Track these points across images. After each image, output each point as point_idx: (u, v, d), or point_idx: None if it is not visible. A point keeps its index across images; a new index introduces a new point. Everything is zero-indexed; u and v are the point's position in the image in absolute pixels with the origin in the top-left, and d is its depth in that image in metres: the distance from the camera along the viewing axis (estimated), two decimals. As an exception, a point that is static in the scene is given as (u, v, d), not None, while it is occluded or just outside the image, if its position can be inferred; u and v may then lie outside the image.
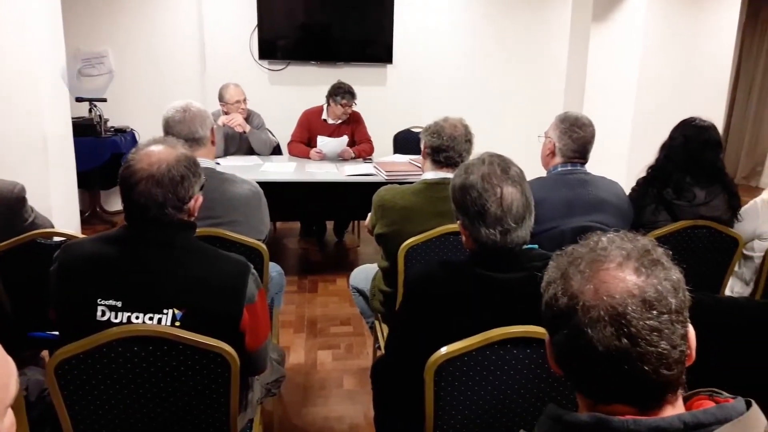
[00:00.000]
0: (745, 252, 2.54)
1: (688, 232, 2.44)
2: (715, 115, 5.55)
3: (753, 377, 1.35)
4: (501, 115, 5.73)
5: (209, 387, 1.58)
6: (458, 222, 1.58)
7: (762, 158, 7.35)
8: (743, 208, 2.54)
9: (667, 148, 2.58)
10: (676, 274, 0.80)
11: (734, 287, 2.62)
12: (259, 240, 2.29)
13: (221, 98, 4.28)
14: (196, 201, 1.66)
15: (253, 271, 1.67)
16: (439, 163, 2.33)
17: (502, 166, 1.54)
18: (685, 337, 0.79)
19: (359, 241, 4.90)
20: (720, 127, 6.28)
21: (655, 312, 0.76)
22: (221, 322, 1.56)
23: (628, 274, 0.78)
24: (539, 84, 5.80)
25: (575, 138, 2.42)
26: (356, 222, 5.00)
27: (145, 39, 5.35)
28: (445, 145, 2.29)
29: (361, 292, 2.76)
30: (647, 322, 0.75)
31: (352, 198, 3.84)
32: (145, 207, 1.55)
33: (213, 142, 2.41)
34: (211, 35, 5.34)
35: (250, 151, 4.45)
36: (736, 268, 2.60)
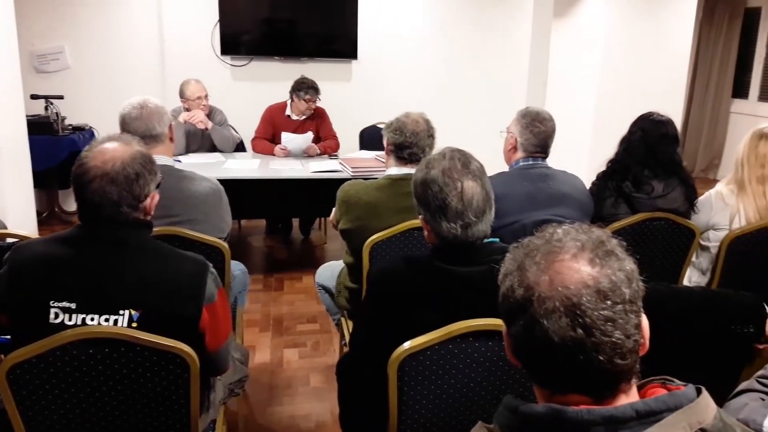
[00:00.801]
0: (701, 242, 2.60)
1: (647, 224, 2.48)
2: (674, 110, 5.67)
3: (704, 364, 1.38)
4: (466, 111, 5.76)
5: (168, 389, 1.55)
6: (420, 217, 1.58)
7: (719, 151, 7.55)
8: (699, 200, 2.60)
9: (625, 142, 2.63)
10: (629, 264, 0.81)
11: (692, 277, 2.68)
12: (220, 238, 2.26)
13: (182, 94, 4.20)
14: (152, 199, 1.63)
15: (212, 270, 1.64)
16: (402, 160, 2.33)
17: (462, 160, 1.55)
18: (638, 326, 0.80)
19: (326, 238, 4.87)
20: (678, 121, 6.47)
21: (609, 302, 0.77)
22: (179, 322, 1.53)
23: (582, 265, 0.79)
24: (502, 79, 5.85)
25: (536, 132, 2.45)
26: (322, 219, 4.97)
27: (102, 34, 5.22)
28: (407, 141, 2.29)
29: (326, 290, 2.74)
30: (602, 312, 0.76)
31: (318, 195, 3.82)
32: (99, 205, 1.51)
33: (171, 139, 2.36)
34: (172, 30, 5.24)
35: (213, 149, 4.39)
36: (693, 258, 2.66)
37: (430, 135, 2.32)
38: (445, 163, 1.53)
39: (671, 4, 5.26)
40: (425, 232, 1.61)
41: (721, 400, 1.65)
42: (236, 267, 2.73)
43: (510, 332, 0.84)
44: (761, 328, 1.47)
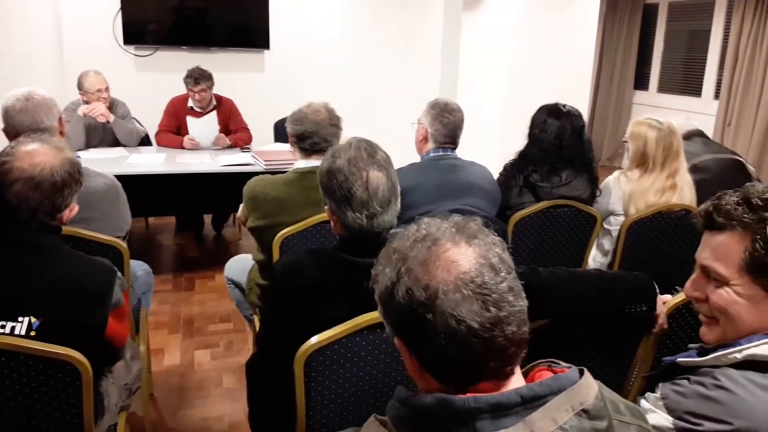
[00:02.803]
0: (604, 225, 2.72)
1: (551, 211, 2.57)
2: (581, 101, 5.93)
3: (601, 343, 1.43)
4: (380, 102, 5.76)
5: (58, 398, 1.46)
6: (326, 207, 1.56)
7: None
8: (600, 187, 2.72)
9: (531, 133, 2.70)
10: (493, 237, 0.82)
11: (596, 257, 2.80)
12: (119, 237, 2.14)
13: (80, 87, 3.96)
14: (71, 211, 1.59)
15: (120, 275, 1.60)
16: (306, 151, 2.29)
17: (368, 150, 1.53)
18: (522, 291, 0.81)
19: (240, 235, 4.75)
20: (585, 112, 6.75)
21: (503, 274, 0.78)
22: (84, 330, 1.48)
23: (465, 248, 0.79)
24: (415, 70, 5.89)
25: (445, 123, 2.47)
26: (236, 215, 4.84)
27: (-9, 22, 4.84)
28: (308, 131, 2.24)
29: (236, 284, 2.67)
30: (501, 284, 0.77)
31: (230, 189, 3.69)
32: (16, 209, 1.44)
33: (62, 133, 2.21)
34: (69, 18, 4.92)
35: (116, 143, 4.17)
36: (600, 239, 2.77)
37: (333, 124, 2.27)
38: (350, 153, 1.51)
39: (575, -1, 5.47)
40: (332, 224, 1.58)
41: (620, 378, 1.72)
42: (139, 267, 2.60)
43: (414, 343, 0.80)
44: (652, 307, 1.53)
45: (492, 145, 5.42)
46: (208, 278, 3.96)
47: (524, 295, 0.80)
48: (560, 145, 2.60)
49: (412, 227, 0.85)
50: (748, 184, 1.14)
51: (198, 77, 4.11)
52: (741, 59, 6.04)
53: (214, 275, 3.96)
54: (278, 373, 1.53)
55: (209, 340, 3.22)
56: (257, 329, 2.46)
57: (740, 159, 3.29)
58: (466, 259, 0.78)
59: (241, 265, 2.67)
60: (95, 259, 1.59)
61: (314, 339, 1.41)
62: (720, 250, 1.08)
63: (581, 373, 0.79)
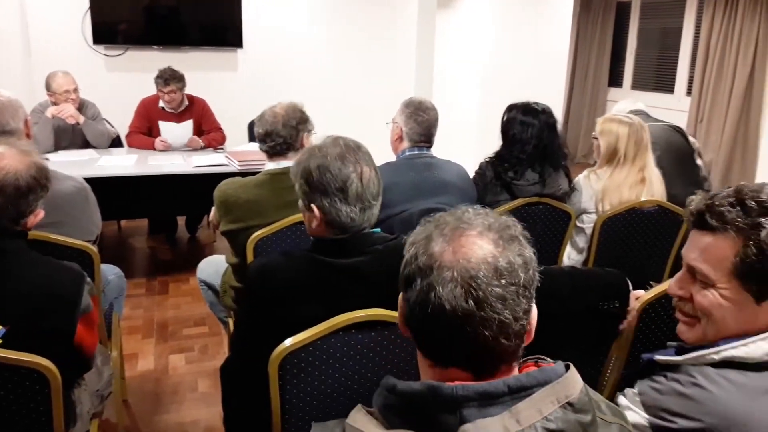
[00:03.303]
0: (577, 224, 2.74)
1: (527, 208, 2.57)
2: (556, 99, 5.98)
3: (575, 340, 1.43)
4: (354, 101, 5.73)
5: (27, 406, 1.43)
6: (311, 207, 1.50)
7: (597, 138, 8.01)
8: (573, 184, 2.73)
9: (504, 132, 2.71)
10: (529, 252, 0.84)
11: (571, 255, 2.81)
12: (88, 241, 2.10)
13: (48, 88, 3.88)
14: (36, 216, 1.55)
15: (89, 280, 1.57)
16: (267, 153, 2.27)
17: (353, 146, 1.54)
18: (528, 312, 0.82)
19: (215, 236, 4.69)
20: (560, 109, 6.81)
21: (504, 281, 0.79)
22: (52, 337, 1.45)
23: (486, 243, 0.81)
24: (390, 69, 5.88)
25: (420, 121, 2.47)
26: (209, 217, 4.78)
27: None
28: (265, 132, 2.22)
29: (210, 286, 2.63)
30: (495, 288, 0.78)
31: (204, 190, 3.61)
32: None
33: (29, 136, 2.16)
34: (36, 18, 4.82)
35: (86, 145, 4.09)
36: (574, 237, 2.79)
37: (293, 125, 2.23)
38: (338, 149, 1.51)
39: (549, -2, 5.50)
40: (309, 224, 1.56)
41: (594, 374, 1.73)
42: (111, 271, 2.56)
43: (405, 297, 0.85)
44: (625, 303, 1.54)
45: (468, 143, 5.44)
46: (182, 281, 3.90)
47: (523, 314, 0.80)
48: (537, 144, 2.61)
49: (466, 209, 0.88)
50: (741, 184, 1.11)
51: (168, 78, 4.05)
52: (712, 56, 6.14)
53: (188, 278, 3.90)
54: (253, 377, 1.51)
55: (184, 344, 3.17)
56: (232, 332, 2.43)
57: (679, 126, 3.42)
58: (477, 250, 0.80)
59: (214, 267, 2.63)
60: (63, 264, 1.56)
61: (288, 341, 1.40)
62: (709, 252, 1.06)
63: (567, 368, 0.81)
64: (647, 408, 1.05)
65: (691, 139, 3.43)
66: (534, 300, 0.83)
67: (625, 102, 3.60)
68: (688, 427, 0.99)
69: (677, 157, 3.24)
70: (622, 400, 1.12)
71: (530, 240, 0.86)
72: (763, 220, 1.01)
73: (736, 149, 6.01)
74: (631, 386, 1.14)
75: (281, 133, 2.20)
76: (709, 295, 1.07)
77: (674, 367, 1.08)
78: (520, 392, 0.77)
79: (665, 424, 1.02)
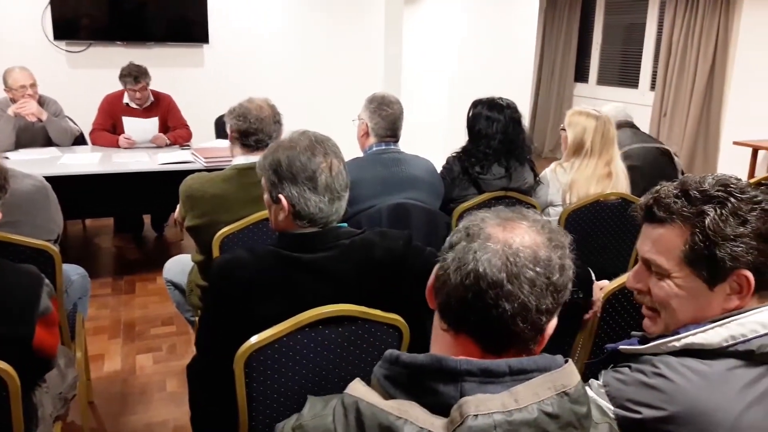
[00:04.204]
0: (545, 217, 2.77)
1: (493, 202, 2.59)
2: (523, 94, 6.04)
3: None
4: (322, 97, 5.71)
5: (-17, 412, 1.38)
6: (279, 198, 1.49)
7: (564, 133, 8.11)
8: (539, 177, 2.77)
9: (470, 127, 2.73)
10: (569, 263, 0.88)
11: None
12: (49, 241, 2.05)
13: (5, 83, 3.78)
14: None
15: (47, 282, 1.53)
16: (249, 147, 2.24)
17: (321, 138, 1.54)
18: (550, 314, 0.85)
19: (182, 235, 4.62)
20: (528, 104, 6.87)
21: (539, 269, 0.83)
22: (10, 341, 1.41)
23: (536, 235, 0.86)
24: (358, 66, 5.87)
25: (384, 116, 2.47)
26: (174, 215, 4.72)
27: None
28: (253, 128, 2.20)
29: (176, 285, 2.60)
30: (529, 271, 0.82)
31: (170, 188, 3.56)
32: None
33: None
34: (-6, 13, 4.69)
35: (48, 143, 4.00)
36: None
37: (276, 121, 2.25)
38: (307, 141, 1.51)
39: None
40: (276, 218, 1.54)
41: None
42: (74, 271, 2.51)
43: (443, 258, 0.88)
44: (589, 294, 1.57)
45: (436, 138, 5.45)
46: (149, 281, 3.84)
47: (546, 311, 0.84)
48: (502, 139, 2.64)
49: (529, 210, 0.92)
50: (684, 176, 1.15)
51: (137, 75, 3.98)
52: (674, 52, 6.27)
53: (155, 277, 3.84)
54: (219, 375, 1.49)
55: (151, 343, 3.13)
56: (197, 330, 2.40)
57: (667, 148, 3.43)
58: (525, 236, 0.85)
59: (180, 266, 2.60)
60: (20, 267, 1.53)
61: (254, 339, 1.39)
62: (661, 244, 1.10)
63: (566, 361, 0.84)
64: (612, 399, 1.07)
65: (676, 159, 3.45)
66: (558, 308, 0.86)
67: (615, 106, 3.59)
68: (652, 416, 1.01)
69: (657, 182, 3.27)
70: (587, 391, 1.14)
71: (576, 261, 0.89)
72: (706, 207, 1.05)
73: (698, 142, 6.15)
74: (596, 377, 1.16)
75: (267, 129, 2.19)
76: (664, 285, 1.10)
77: (637, 358, 1.10)
78: (520, 374, 0.79)
79: (630, 414, 1.03)
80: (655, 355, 1.08)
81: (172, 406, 2.62)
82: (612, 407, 1.06)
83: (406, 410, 0.78)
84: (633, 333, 1.26)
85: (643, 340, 1.15)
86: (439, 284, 0.88)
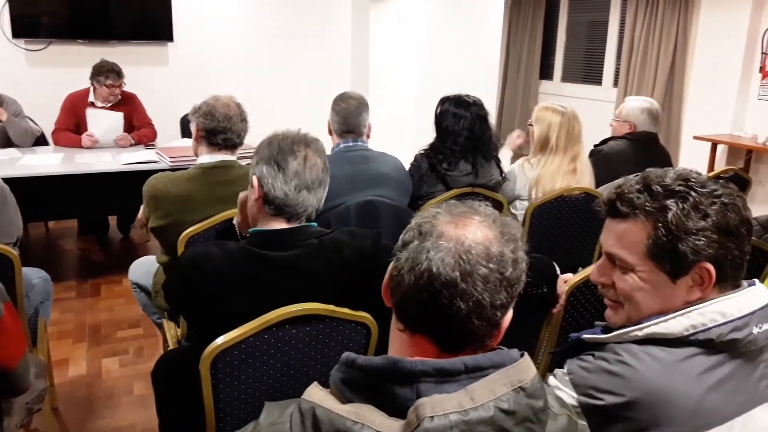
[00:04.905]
0: (511, 211, 2.80)
1: (460, 199, 2.60)
2: (490, 91, 6.07)
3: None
4: (290, 96, 5.67)
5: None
6: (253, 180, 1.51)
7: (530, 130, 8.20)
8: (505, 173, 2.80)
9: (437, 124, 2.74)
10: (522, 256, 0.87)
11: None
12: (8, 244, 2.00)
13: (-39, 83, 3.67)
14: None
15: (1, 286, 1.49)
16: (216, 145, 2.21)
17: (311, 138, 1.58)
18: (505, 308, 0.85)
19: (148, 236, 4.55)
20: (494, 102, 6.93)
21: (492, 266, 0.82)
22: None
23: (487, 231, 0.85)
24: (326, 64, 5.84)
25: (338, 111, 2.49)
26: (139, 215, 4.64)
27: None
28: (221, 126, 2.18)
29: (142, 288, 2.56)
30: (482, 268, 0.82)
31: (135, 189, 3.50)
32: None
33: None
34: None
35: (8, 143, 3.89)
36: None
37: (243, 119, 2.23)
38: (297, 136, 1.56)
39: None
40: (239, 218, 1.54)
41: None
42: (35, 275, 2.45)
43: (397, 257, 0.88)
44: (553, 287, 1.59)
45: (405, 135, 5.46)
46: (114, 283, 3.78)
47: (500, 306, 0.83)
48: (469, 136, 2.66)
49: (482, 203, 0.91)
50: (647, 170, 1.15)
51: (111, 71, 3.91)
52: (636, 49, 6.38)
53: (121, 279, 3.77)
54: (184, 377, 1.48)
55: (118, 347, 3.08)
56: (167, 335, 2.37)
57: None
58: (477, 232, 0.84)
59: (146, 268, 2.56)
60: None
61: (220, 339, 1.37)
62: (624, 238, 1.11)
63: (522, 356, 0.84)
64: (576, 387, 1.08)
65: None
66: (513, 302, 0.86)
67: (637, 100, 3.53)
68: (614, 402, 1.03)
69: None
70: (552, 380, 1.15)
71: (527, 251, 0.89)
72: (668, 202, 1.07)
73: (660, 137, 6.27)
74: (561, 366, 1.18)
75: (235, 128, 2.18)
76: (628, 279, 1.12)
77: (601, 346, 1.12)
78: (475, 372, 0.79)
79: (593, 401, 1.05)
80: (618, 343, 1.10)
81: (140, 410, 2.58)
82: (576, 395, 1.08)
83: (363, 414, 0.77)
84: (596, 323, 1.28)
85: (606, 330, 1.17)
86: (393, 284, 0.87)
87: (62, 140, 4.00)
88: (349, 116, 2.47)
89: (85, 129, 3.98)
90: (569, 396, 1.09)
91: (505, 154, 3.09)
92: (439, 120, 2.71)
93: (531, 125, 2.76)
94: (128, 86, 4.30)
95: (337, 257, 1.51)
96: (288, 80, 5.71)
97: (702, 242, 1.05)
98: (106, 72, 3.91)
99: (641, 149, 3.13)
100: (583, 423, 1.04)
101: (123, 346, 3.09)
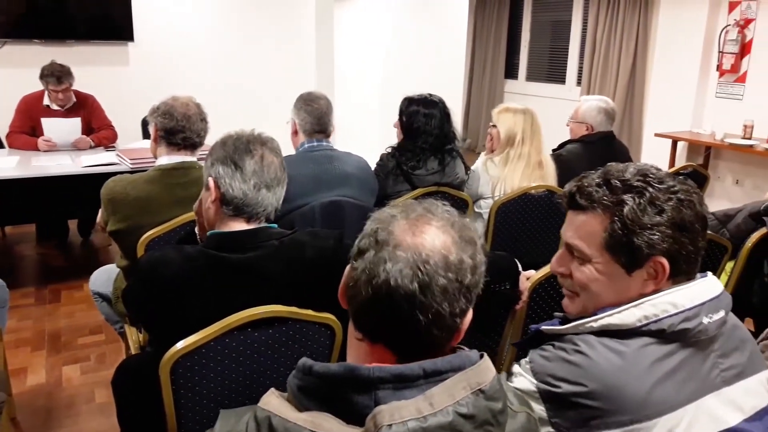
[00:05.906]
0: (476, 209, 2.83)
1: (426, 197, 2.61)
2: (455, 91, 6.12)
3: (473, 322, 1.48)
4: (253, 97, 5.60)
5: None
6: (209, 182, 1.49)
7: (496, 128, 8.28)
8: (470, 171, 2.82)
9: (408, 124, 2.75)
10: (481, 258, 0.86)
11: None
12: (-41, 250, 1.93)
13: None
14: None
15: None
16: (175, 145, 2.17)
17: (266, 138, 1.57)
18: (464, 313, 0.84)
19: (110, 240, 4.45)
20: (460, 101, 6.97)
21: (450, 275, 0.81)
22: None
23: (445, 236, 0.83)
24: (290, 65, 5.78)
25: (310, 111, 2.47)
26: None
27: None
28: (180, 125, 2.14)
29: (103, 297, 2.50)
30: (441, 279, 0.80)
31: (95, 192, 3.42)
32: None
33: None
34: None
35: (-40, 147, 3.77)
36: (473, 223, 2.87)
37: (203, 119, 2.20)
38: (252, 136, 1.55)
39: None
40: (206, 211, 1.52)
41: (491, 354, 1.78)
42: (-12, 281, 2.37)
43: (353, 266, 0.86)
44: (515, 284, 1.60)
45: (371, 135, 5.46)
46: (75, 288, 3.68)
47: (460, 312, 0.82)
48: (438, 134, 2.69)
49: (438, 203, 0.89)
50: (608, 165, 1.18)
51: (60, 75, 3.80)
52: (598, 48, 6.50)
53: (82, 285, 3.68)
54: (144, 383, 1.45)
55: (79, 354, 3.00)
56: (129, 341, 2.32)
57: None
58: (437, 240, 0.82)
59: (106, 276, 2.50)
60: None
61: (180, 344, 1.35)
62: (583, 230, 1.14)
63: (482, 357, 0.83)
64: (536, 374, 1.11)
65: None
66: (472, 304, 0.85)
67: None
68: (570, 390, 1.05)
69: None
70: (515, 368, 1.17)
71: (484, 248, 0.88)
72: (625, 197, 1.09)
73: (623, 134, 6.40)
74: (525, 357, 1.19)
75: (194, 127, 2.15)
76: (585, 270, 1.14)
77: (561, 337, 1.15)
78: (434, 376, 0.78)
79: (551, 389, 1.07)
80: (577, 334, 1.12)
81: (102, 418, 2.52)
82: (535, 381, 1.10)
83: (320, 423, 0.76)
84: (555, 314, 1.30)
85: (564, 321, 1.20)
86: (351, 294, 0.86)
87: (17, 143, 3.89)
88: (322, 116, 2.47)
89: (41, 132, 3.87)
90: (529, 382, 1.11)
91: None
92: (410, 120, 2.72)
93: (494, 126, 2.79)
94: (88, 87, 4.21)
95: (298, 258, 1.49)
96: (252, 80, 5.64)
97: (657, 237, 1.07)
98: (46, 76, 3.81)
99: (599, 150, 3.18)
100: (541, 407, 1.07)
101: (84, 353, 3.01)
